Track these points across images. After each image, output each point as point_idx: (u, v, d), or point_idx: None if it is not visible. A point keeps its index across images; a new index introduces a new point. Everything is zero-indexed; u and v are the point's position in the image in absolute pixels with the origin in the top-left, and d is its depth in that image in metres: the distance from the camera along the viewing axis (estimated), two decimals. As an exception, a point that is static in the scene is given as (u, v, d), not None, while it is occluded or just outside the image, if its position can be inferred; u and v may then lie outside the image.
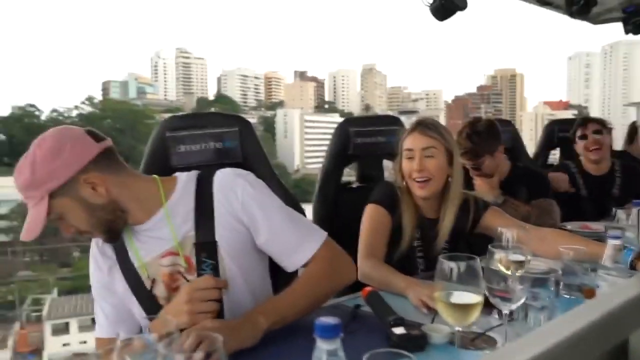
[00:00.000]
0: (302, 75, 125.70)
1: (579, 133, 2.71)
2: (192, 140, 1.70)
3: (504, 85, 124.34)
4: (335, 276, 1.23)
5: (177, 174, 1.31)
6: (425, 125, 1.71)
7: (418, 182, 1.68)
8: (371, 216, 1.71)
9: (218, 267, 1.22)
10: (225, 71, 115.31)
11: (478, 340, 1.08)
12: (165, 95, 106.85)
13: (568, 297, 1.29)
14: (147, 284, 1.24)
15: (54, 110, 58.74)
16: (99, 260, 1.28)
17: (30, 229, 1.11)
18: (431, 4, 3.04)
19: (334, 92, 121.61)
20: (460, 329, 0.95)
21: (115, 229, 1.20)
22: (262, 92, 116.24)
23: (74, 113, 60.02)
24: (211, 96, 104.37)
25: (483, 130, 2.25)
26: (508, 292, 0.96)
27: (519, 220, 1.80)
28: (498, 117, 2.50)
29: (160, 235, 1.23)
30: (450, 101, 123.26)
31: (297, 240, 1.23)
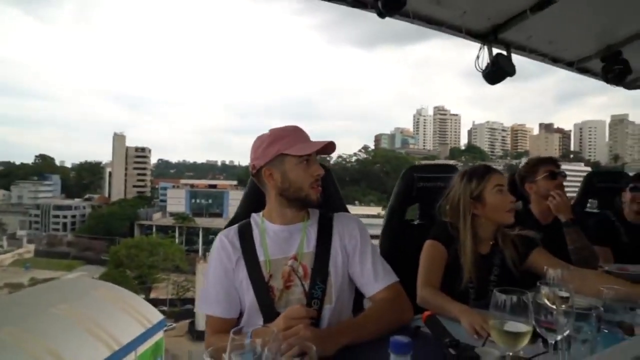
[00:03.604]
0: (547, 128, 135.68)
1: (632, 184, 2.89)
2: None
3: None
4: (398, 312, 1.52)
5: None
6: (495, 169, 2.02)
7: (510, 212, 1.93)
8: (429, 250, 1.94)
9: (327, 280, 1.53)
10: (476, 125, 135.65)
11: (525, 363, 1.22)
12: (424, 145, 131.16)
13: (608, 332, 1.38)
14: (266, 277, 1.51)
15: (339, 156, 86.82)
16: (230, 251, 1.56)
17: None
18: (483, 71, 3.35)
19: (580, 142, 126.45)
20: (510, 353, 1.10)
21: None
22: (508, 143, 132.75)
23: (354, 159, 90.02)
24: (462, 146, 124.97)
25: None
26: (553, 323, 1.11)
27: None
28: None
29: (292, 241, 1.56)
30: None
31: (378, 274, 1.58)
